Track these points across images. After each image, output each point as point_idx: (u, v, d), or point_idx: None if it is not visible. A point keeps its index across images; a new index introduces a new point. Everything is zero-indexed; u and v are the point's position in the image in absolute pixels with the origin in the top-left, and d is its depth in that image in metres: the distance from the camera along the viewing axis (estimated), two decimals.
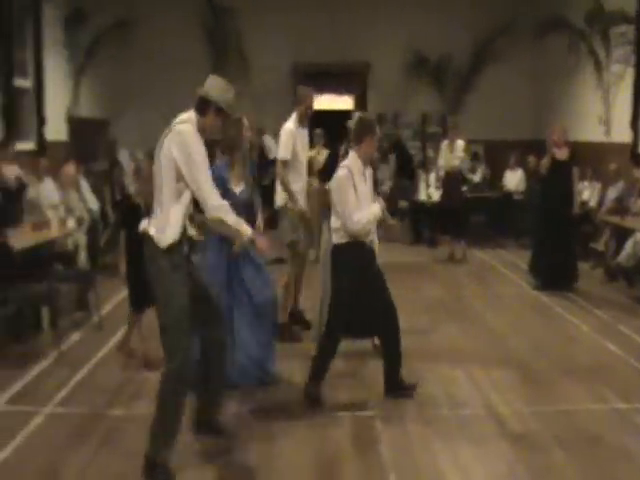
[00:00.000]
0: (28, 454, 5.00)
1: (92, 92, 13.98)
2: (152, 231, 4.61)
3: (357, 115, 6.00)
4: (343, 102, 17.74)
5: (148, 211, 6.08)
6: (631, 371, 6.70)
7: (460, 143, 11.97)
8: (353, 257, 5.79)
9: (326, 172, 7.18)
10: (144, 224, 4.73)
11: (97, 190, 11.59)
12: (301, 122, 7.61)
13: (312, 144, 12.19)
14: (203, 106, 4.67)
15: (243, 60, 15.49)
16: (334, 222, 5.83)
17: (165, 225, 4.56)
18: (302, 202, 7.56)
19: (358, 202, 5.68)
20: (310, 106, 7.59)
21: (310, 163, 11.70)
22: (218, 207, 4.57)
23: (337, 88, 17.35)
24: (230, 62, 15.46)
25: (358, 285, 5.79)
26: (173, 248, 4.58)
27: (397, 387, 6.02)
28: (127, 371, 6.65)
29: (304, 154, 7.76)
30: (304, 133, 7.73)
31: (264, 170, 12.08)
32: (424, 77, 15.80)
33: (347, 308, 5.81)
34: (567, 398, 6.05)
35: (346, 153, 6.11)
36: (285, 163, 7.45)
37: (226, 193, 5.72)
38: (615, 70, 12.59)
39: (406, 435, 5.33)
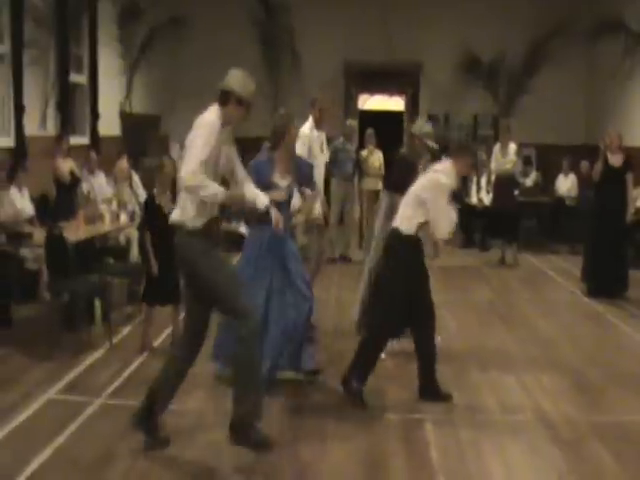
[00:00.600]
0: (81, 442, 5.06)
1: (145, 88, 14.11)
2: (180, 217, 4.82)
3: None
4: (394, 103, 17.70)
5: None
6: None
7: (512, 147, 11.88)
8: (415, 257, 5.81)
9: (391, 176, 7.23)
10: (173, 215, 4.93)
11: (149, 185, 11.68)
12: (317, 125, 7.67)
13: (363, 145, 12.25)
14: (224, 97, 4.91)
15: (295, 57, 15.50)
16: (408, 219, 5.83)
17: (192, 209, 4.74)
18: (317, 206, 7.53)
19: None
20: (323, 109, 7.66)
21: (363, 163, 11.78)
22: (191, 176, 4.61)
23: (388, 88, 17.30)
24: (282, 59, 15.51)
25: (414, 286, 5.79)
26: (204, 230, 4.76)
27: (432, 391, 6.00)
28: None
29: (321, 157, 7.80)
30: (320, 136, 7.76)
31: None
32: (476, 78, 15.65)
33: (398, 309, 5.81)
34: (619, 408, 5.96)
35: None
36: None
37: (268, 187, 5.77)
38: None
39: (456, 439, 5.30)
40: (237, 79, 4.96)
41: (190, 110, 15.28)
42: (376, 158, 11.63)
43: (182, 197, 4.84)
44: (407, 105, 17.10)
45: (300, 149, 7.47)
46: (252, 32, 15.40)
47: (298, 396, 6.06)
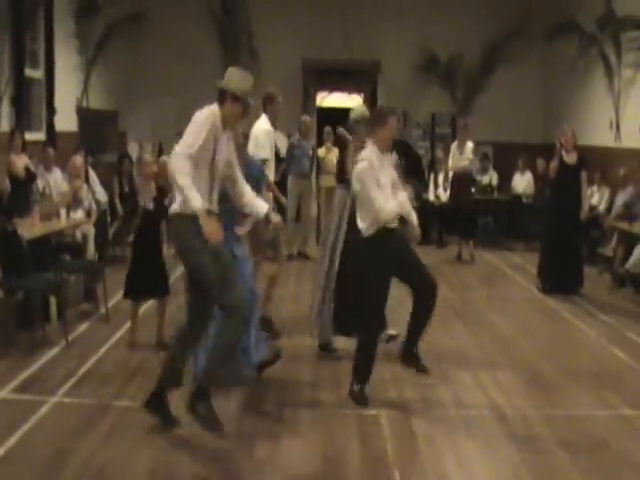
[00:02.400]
0: (34, 442, 5.01)
1: (103, 84, 13.97)
2: (176, 207, 4.93)
3: (359, 109, 6.54)
4: (352, 101, 17.73)
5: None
6: (638, 378, 6.68)
7: (469, 145, 11.99)
8: (383, 247, 5.83)
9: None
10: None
11: (106, 182, 11.61)
12: (274, 121, 7.71)
13: (321, 142, 12.27)
14: (221, 96, 5.02)
15: (253, 55, 15.45)
16: (360, 216, 5.87)
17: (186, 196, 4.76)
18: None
19: (381, 190, 5.76)
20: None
21: (320, 161, 11.80)
22: (174, 158, 4.72)
23: (347, 86, 17.35)
24: (240, 57, 15.45)
25: (389, 273, 5.86)
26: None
27: (413, 357, 6.12)
28: (134, 362, 6.65)
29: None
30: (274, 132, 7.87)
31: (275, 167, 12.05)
32: (434, 77, 15.76)
33: (382, 302, 5.92)
34: (573, 403, 6.05)
35: None
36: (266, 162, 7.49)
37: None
38: (626, 75, 12.57)
39: (411, 434, 5.34)
40: (233, 77, 5.09)
41: (148, 106, 15.39)
42: (334, 155, 11.61)
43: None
44: (365, 103, 17.13)
45: (262, 147, 7.43)
46: (210, 29, 15.34)
47: (254, 394, 6.04)
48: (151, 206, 7.02)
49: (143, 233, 7.07)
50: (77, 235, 9.13)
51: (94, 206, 9.81)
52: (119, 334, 7.48)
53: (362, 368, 5.89)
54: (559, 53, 14.74)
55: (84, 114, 13.04)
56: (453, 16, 15.47)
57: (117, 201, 11.36)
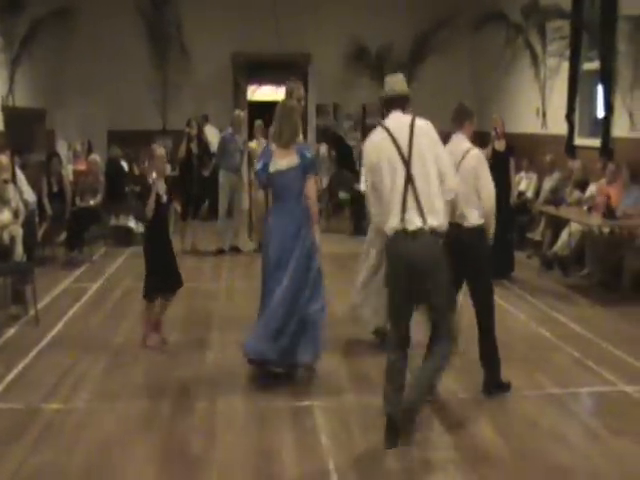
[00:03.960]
0: None
1: (29, 81, 13.69)
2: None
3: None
4: (283, 93, 17.74)
5: None
6: (565, 357, 6.84)
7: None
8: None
9: None
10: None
11: (34, 182, 11.40)
12: None
13: (251, 136, 12.24)
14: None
15: (183, 50, 15.38)
16: (469, 203, 5.74)
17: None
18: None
19: None
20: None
21: (250, 155, 11.77)
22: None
23: (277, 79, 17.31)
24: (170, 52, 15.35)
25: None
26: None
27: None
28: (65, 365, 6.56)
29: None
30: None
31: (205, 161, 12.01)
32: (364, 68, 15.83)
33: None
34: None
35: None
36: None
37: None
38: (551, 64, 12.80)
39: (345, 423, 5.38)
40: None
41: (77, 104, 15.11)
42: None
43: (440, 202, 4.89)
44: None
45: None
46: (139, 24, 15.19)
47: (186, 391, 6.03)
48: (165, 199, 6.98)
49: (156, 230, 7.00)
50: (4, 237, 8.92)
51: (22, 207, 9.61)
52: (50, 336, 7.36)
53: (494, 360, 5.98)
54: (487, 42, 14.94)
55: (10, 113, 12.77)
56: (382, 7, 15.59)
57: (46, 201, 11.15)
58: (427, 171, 4.86)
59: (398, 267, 4.91)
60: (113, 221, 12.33)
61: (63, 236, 11.10)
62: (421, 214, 4.80)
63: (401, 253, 4.85)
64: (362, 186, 13.29)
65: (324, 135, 15.24)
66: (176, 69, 15.39)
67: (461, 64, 15.98)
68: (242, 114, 11.98)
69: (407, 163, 4.83)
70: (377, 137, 5.00)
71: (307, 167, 6.15)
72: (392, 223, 4.85)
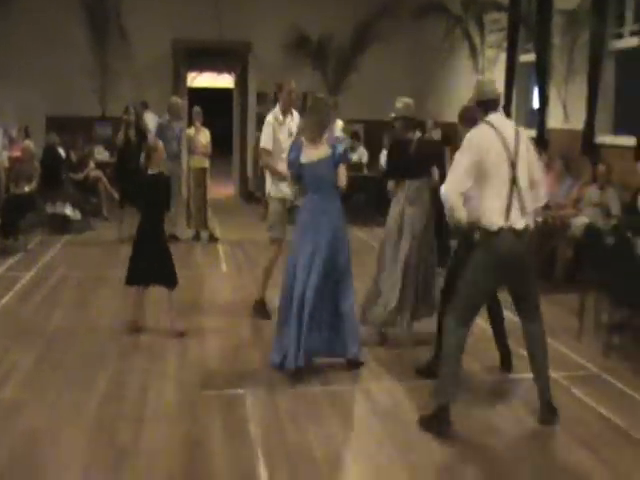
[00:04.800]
0: None
1: None
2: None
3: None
4: (223, 80, 17.66)
5: None
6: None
7: (339, 123, 12.13)
8: None
9: None
10: None
11: None
12: (283, 112, 7.68)
13: (190, 122, 12.16)
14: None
15: (123, 36, 15.19)
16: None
17: None
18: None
19: None
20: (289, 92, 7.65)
21: (190, 142, 11.70)
22: None
23: (217, 66, 17.24)
24: (109, 38, 15.15)
25: None
26: None
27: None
28: None
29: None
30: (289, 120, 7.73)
31: (143, 148, 11.84)
32: (305, 57, 15.82)
33: None
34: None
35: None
36: (268, 152, 7.56)
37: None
38: (489, 55, 12.96)
39: (275, 412, 5.39)
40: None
41: (14, 89, 14.81)
42: (202, 136, 11.54)
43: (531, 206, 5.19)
44: (236, 83, 17.11)
45: (264, 135, 7.64)
46: (78, 9, 14.97)
47: (115, 380, 5.97)
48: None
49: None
50: None
51: None
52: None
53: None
54: (427, 33, 15.02)
55: None
56: None
57: None
58: (526, 175, 5.11)
59: (498, 261, 5.12)
60: (50, 209, 12.16)
61: None
62: (523, 214, 5.09)
63: (505, 249, 5.07)
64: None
65: None
66: (116, 55, 15.21)
67: (401, 54, 16.05)
68: (179, 101, 11.88)
69: (514, 164, 5.05)
70: (484, 133, 5.11)
71: (338, 158, 6.21)
72: (496, 219, 5.04)
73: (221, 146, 15.80)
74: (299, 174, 6.25)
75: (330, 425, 5.20)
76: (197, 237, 11.71)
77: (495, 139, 5.04)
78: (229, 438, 4.97)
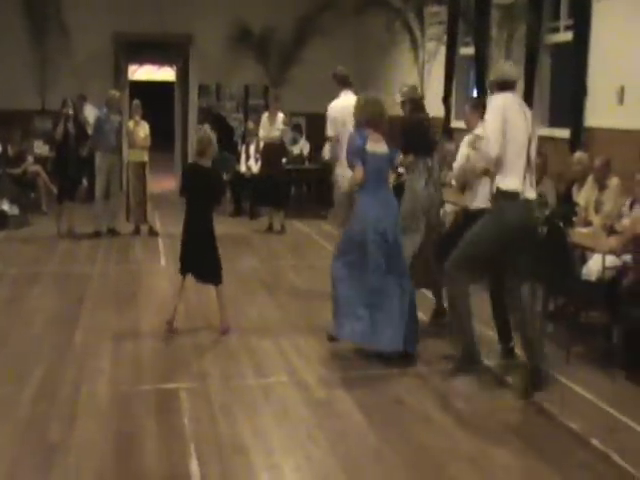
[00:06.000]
0: None
1: None
2: None
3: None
4: (164, 73, 17.52)
5: None
6: (429, 335, 6.99)
7: (280, 115, 12.12)
8: None
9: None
10: None
11: None
12: None
13: (130, 116, 12.03)
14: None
15: (62, 27, 14.93)
16: None
17: None
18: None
19: None
20: None
21: (129, 135, 11.57)
22: None
23: (158, 59, 17.09)
24: (49, 29, 14.90)
25: None
26: None
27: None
28: None
29: None
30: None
31: (82, 142, 11.68)
32: (247, 50, 15.72)
33: None
34: (367, 363, 6.28)
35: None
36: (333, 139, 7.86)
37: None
38: (429, 48, 13.02)
39: (209, 406, 5.37)
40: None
41: None
42: (141, 129, 11.40)
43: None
44: (178, 76, 16.99)
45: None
46: (17, 3, 14.67)
47: (49, 377, 5.87)
48: None
49: None
50: None
51: None
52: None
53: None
54: (368, 26, 15.05)
55: None
56: None
57: None
58: (534, 154, 5.67)
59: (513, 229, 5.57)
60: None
61: None
62: (533, 187, 5.63)
63: (520, 217, 5.56)
64: (243, 167, 13.37)
65: (206, 116, 15.13)
66: (55, 48, 14.94)
67: (343, 47, 16.02)
68: (117, 94, 11.75)
69: (530, 139, 5.59)
70: (511, 100, 5.59)
71: (394, 159, 6.61)
72: (517, 186, 5.51)
73: (163, 140, 15.68)
74: (363, 159, 6.32)
75: (263, 417, 5.20)
76: (137, 231, 11.59)
77: (517, 108, 5.59)
78: (162, 433, 4.94)
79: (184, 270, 6.92)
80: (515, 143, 5.48)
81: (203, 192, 6.81)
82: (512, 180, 5.50)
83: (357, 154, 6.32)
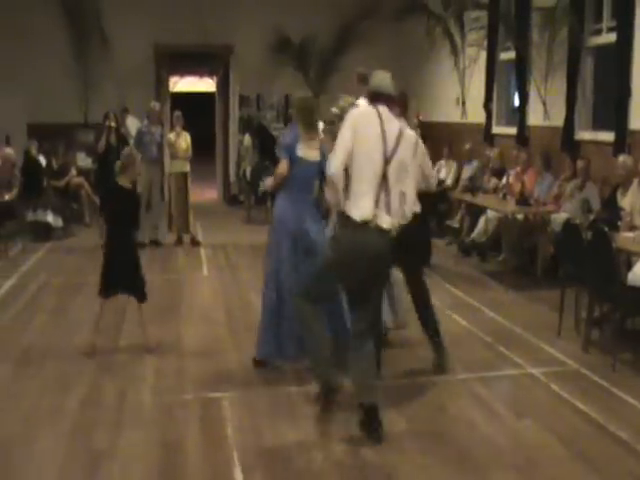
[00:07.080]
0: None
1: None
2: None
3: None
4: (205, 84, 17.62)
5: None
6: (476, 342, 6.95)
7: (320, 125, 12.10)
8: None
9: None
10: None
11: None
12: None
13: (172, 127, 12.14)
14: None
15: (104, 40, 15.13)
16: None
17: None
18: None
19: None
20: None
21: (171, 146, 11.67)
22: None
23: (199, 70, 17.19)
24: (91, 42, 15.09)
25: None
26: None
27: None
28: None
29: None
30: None
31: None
32: (288, 59, 15.79)
33: None
34: (413, 371, 6.24)
35: None
36: None
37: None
38: (470, 53, 12.97)
39: (253, 415, 5.37)
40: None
41: None
42: (183, 140, 11.49)
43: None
44: (218, 87, 17.08)
45: None
46: (58, 14, 14.88)
47: (92, 386, 5.93)
48: None
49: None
50: None
51: None
52: None
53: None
54: (409, 33, 15.03)
55: None
56: None
57: None
58: (396, 175, 4.91)
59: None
60: (31, 216, 12.11)
61: None
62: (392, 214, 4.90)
63: (365, 244, 4.89)
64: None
65: (248, 125, 15.22)
66: (97, 60, 15.14)
67: (383, 54, 15.88)
68: (158, 105, 11.87)
69: (388, 161, 4.88)
70: (370, 115, 4.98)
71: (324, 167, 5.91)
72: (362, 212, 4.84)
73: (204, 150, 15.77)
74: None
75: (306, 426, 5.18)
76: (179, 241, 11.67)
77: (375, 124, 4.91)
78: (205, 441, 4.95)
79: (108, 291, 6.75)
80: (364, 162, 4.85)
81: (121, 215, 6.57)
82: (359, 206, 4.86)
83: (285, 149, 6.02)
